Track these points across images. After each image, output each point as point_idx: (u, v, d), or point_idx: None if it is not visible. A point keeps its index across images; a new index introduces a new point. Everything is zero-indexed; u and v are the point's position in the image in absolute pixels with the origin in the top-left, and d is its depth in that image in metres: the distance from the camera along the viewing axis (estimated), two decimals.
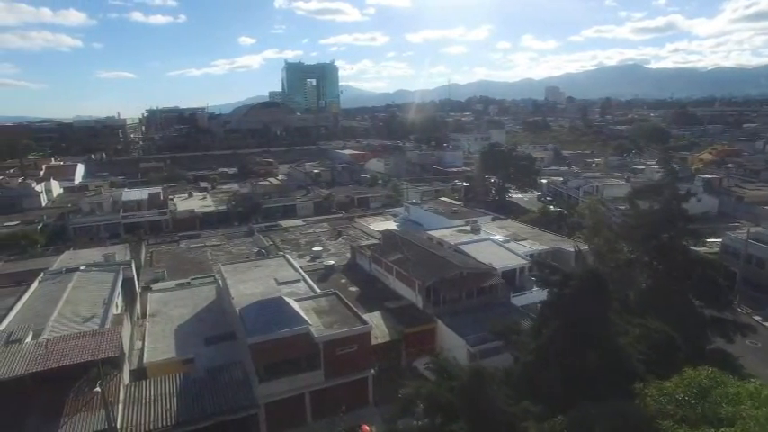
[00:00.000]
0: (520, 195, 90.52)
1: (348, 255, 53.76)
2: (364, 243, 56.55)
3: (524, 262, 45.08)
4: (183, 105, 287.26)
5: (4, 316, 33.20)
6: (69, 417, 25.52)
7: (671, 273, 21.90)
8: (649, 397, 13.27)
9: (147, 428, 26.49)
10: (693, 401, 14.12)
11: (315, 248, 54.19)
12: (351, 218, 75.39)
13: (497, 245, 48.18)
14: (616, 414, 10.50)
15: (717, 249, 52.82)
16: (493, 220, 62.74)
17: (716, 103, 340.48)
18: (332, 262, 49.30)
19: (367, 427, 28.20)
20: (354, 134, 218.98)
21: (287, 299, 31.21)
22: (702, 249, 42.76)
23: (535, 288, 42.87)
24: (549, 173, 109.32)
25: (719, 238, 54.00)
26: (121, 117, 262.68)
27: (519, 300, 40.70)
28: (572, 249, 47.00)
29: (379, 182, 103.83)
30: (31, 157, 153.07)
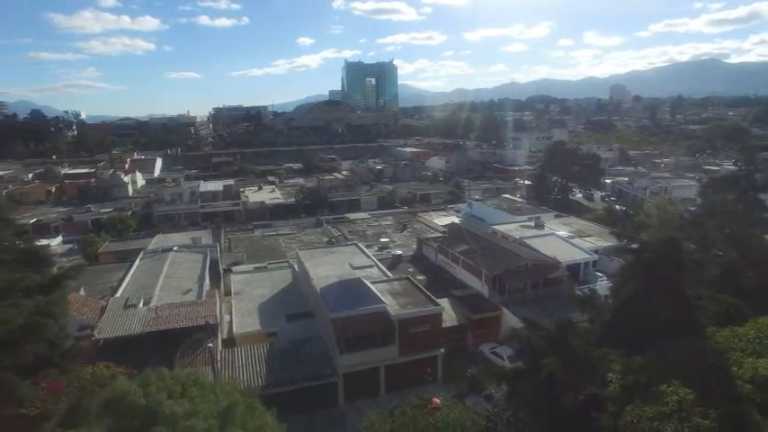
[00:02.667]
0: (582, 195, 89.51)
1: (414, 246, 55.92)
2: (429, 236, 58.56)
3: (589, 256, 45.67)
4: (246, 104, 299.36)
5: (118, 286, 37.86)
6: (180, 369, 29.24)
7: (744, 261, 22.46)
8: (721, 337, 14.41)
9: (240, 387, 29.89)
10: (766, 341, 14.97)
11: (382, 239, 56.78)
12: (414, 212, 77.64)
13: (562, 240, 48.90)
14: (689, 349, 11.84)
15: None
16: (556, 217, 63.12)
17: None
18: (399, 252, 51.62)
19: (437, 400, 30.26)
20: (414, 132, 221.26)
21: (364, 280, 33.79)
22: None
23: (600, 282, 43.53)
24: (613, 173, 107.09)
25: None
26: (191, 115, 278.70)
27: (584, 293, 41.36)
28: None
29: (440, 179, 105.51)
30: (115, 151, 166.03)
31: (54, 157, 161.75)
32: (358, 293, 32.44)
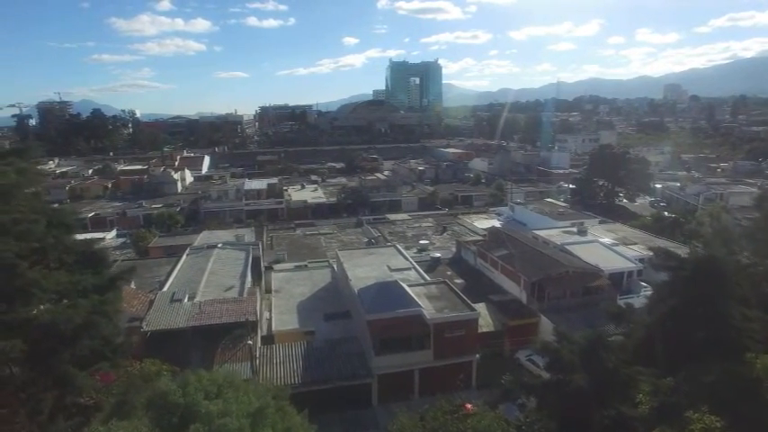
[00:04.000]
0: (630, 200, 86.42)
1: (453, 249, 55.74)
2: (469, 239, 58.22)
3: (633, 265, 44.28)
4: (291, 103, 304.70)
5: (166, 280, 39.64)
6: (220, 365, 30.39)
7: None
8: (760, 364, 13.63)
9: (277, 383, 30.79)
10: None
11: (421, 241, 56.86)
12: (455, 214, 77.29)
13: (605, 247, 47.64)
14: (722, 373, 11.39)
15: None
16: (600, 223, 61.46)
17: None
18: (438, 255, 51.60)
19: (470, 406, 30.15)
20: (457, 133, 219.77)
21: (401, 283, 34.05)
22: None
23: (644, 291, 42.14)
24: (664, 177, 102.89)
25: None
26: (238, 113, 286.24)
27: (626, 303, 40.12)
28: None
29: (483, 181, 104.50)
30: (166, 149, 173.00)
31: (111, 153, 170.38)
32: (395, 296, 32.74)
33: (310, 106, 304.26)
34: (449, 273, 48.15)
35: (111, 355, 13.65)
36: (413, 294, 33.30)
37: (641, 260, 45.53)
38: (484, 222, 70.06)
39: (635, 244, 50.93)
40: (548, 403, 13.06)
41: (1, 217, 11.67)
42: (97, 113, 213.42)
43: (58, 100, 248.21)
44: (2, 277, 11.51)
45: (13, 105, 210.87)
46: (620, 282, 42.87)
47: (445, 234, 64.46)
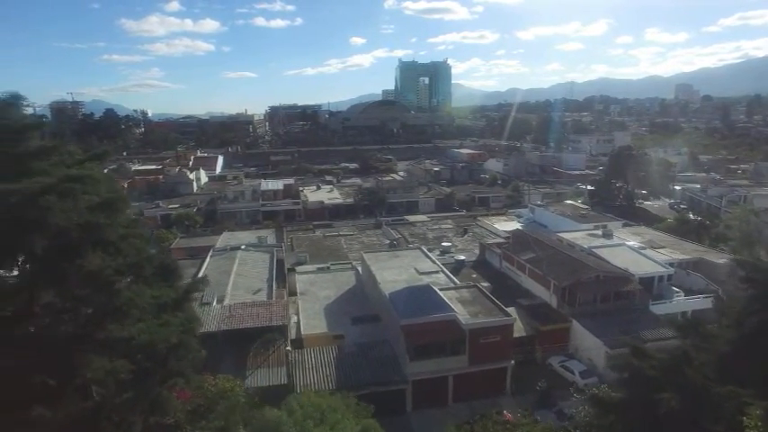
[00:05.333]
0: (650, 202, 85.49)
1: (475, 251, 55.21)
2: (491, 241, 57.66)
3: (664, 270, 43.52)
4: (300, 102, 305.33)
5: None
6: (252, 370, 30.07)
7: None
8: None
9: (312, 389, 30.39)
10: None
11: (444, 243, 56.30)
12: (474, 216, 76.65)
13: (633, 251, 46.87)
14: None
15: None
16: (624, 226, 60.64)
17: None
18: (462, 257, 51.07)
19: (509, 415, 29.67)
20: (468, 133, 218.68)
21: (434, 287, 33.60)
22: None
23: (677, 297, 41.46)
24: (683, 179, 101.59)
25: None
26: (248, 113, 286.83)
27: (659, 308, 39.53)
28: (719, 261, 44.56)
29: (499, 182, 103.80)
30: (179, 148, 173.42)
31: (124, 153, 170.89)
32: (427, 300, 32.33)
33: (320, 106, 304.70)
34: (474, 276, 47.61)
35: (186, 371, 13.34)
36: (446, 299, 32.83)
37: (671, 264, 44.79)
38: (504, 224, 69.41)
39: (662, 247, 50.11)
40: (629, 422, 12.56)
41: (109, 232, 11.37)
42: (110, 113, 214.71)
43: (71, 100, 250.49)
44: (104, 296, 11.23)
45: (28, 105, 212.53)
46: (650, 286, 42.11)
47: (466, 236, 63.88)
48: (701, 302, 39.95)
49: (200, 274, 41.80)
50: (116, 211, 12.31)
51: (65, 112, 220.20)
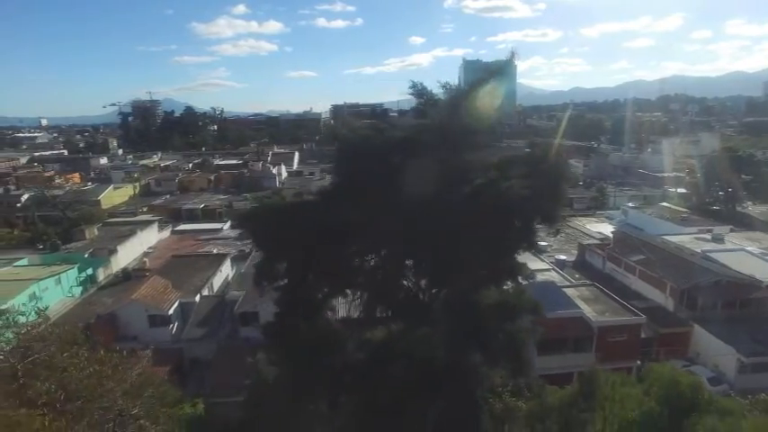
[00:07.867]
0: (754, 207, 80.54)
1: (572, 251, 54.39)
2: (586, 242, 56.57)
3: None
4: (360, 101, 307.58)
5: None
6: None
7: None
8: None
9: None
10: None
11: (540, 243, 55.68)
12: (564, 216, 75.11)
13: (755, 257, 44.60)
14: None
15: None
16: (732, 231, 57.69)
17: None
18: (563, 257, 50.45)
19: None
20: (537, 133, 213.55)
21: (558, 284, 33.57)
22: None
23: None
24: None
25: None
26: (314, 111, 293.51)
27: None
28: None
29: (580, 183, 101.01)
30: (252, 144, 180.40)
31: (203, 149, 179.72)
32: (552, 296, 32.28)
33: (381, 104, 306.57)
34: (576, 276, 46.90)
35: None
36: (570, 296, 32.73)
37: None
38: (595, 225, 67.84)
39: None
40: None
41: None
42: (189, 111, 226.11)
43: (150, 99, 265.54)
44: None
45: (114, 105, 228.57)
46: None
47: (559, 236, 62.81)
48: None
49: None
50: None
51: (149, 111, 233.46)
